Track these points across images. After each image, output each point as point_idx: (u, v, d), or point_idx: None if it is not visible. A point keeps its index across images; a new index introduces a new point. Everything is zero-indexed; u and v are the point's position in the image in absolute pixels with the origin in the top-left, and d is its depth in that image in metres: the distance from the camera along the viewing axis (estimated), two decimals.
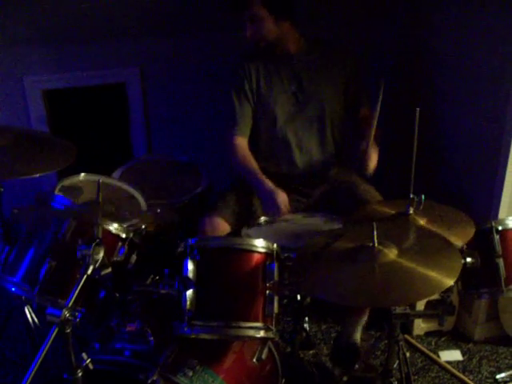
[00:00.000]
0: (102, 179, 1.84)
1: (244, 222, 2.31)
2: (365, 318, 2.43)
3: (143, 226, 1.98)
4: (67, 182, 2.23)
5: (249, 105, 2.44)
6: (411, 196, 1.88)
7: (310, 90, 2.41)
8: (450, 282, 1.55)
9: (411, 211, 1.90)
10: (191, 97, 3.08)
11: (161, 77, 3.08)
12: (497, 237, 1.93)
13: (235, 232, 2.29)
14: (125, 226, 1.89)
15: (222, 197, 2.43)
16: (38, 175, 1.89)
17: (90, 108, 3.08)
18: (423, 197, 1.87)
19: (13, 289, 1.84)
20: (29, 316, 2.16)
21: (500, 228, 1.94)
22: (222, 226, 2.29)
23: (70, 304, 1.53)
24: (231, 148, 2.42)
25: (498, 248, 1.92)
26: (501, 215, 2.40)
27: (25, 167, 1.92)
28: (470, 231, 1.87)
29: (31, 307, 2.16)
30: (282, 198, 2.25)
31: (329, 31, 2.72)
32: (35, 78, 2.93)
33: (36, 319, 2.16)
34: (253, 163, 2.39)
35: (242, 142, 2.43)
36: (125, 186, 2.34)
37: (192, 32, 2.95)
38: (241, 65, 2.44)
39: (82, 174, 2.26)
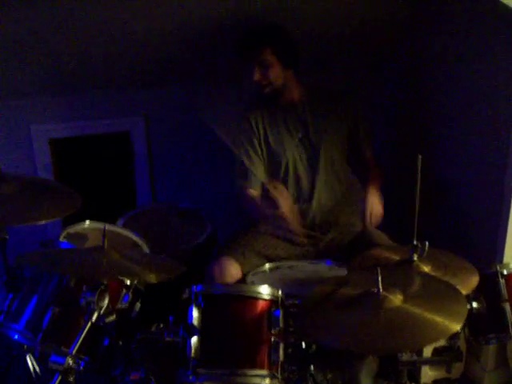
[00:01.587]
0: (107, 226, 1.85)
1: (255, 262, 2.33)
2: (374, 366, 2.38)
3: None
4: (72, 229, 2.24)
5: (259, 159, 2.50)
6: (415, 243, 1.88)
7: (316, 137, 2.46)
8: (457, 328, 1.54)
9: (415, 258, 1.90)
10: (195, 145, 3.12)
11: (165, 125, 3.12)
12: (502, 281, 1.92)
13: (240, 279, 2.28)
14: None
15: (231, 238, 2.44)
16: (43, 222, 1.90)
17: (95, 156, 3.11)
18: (427, 244, 1.87)
19: (15, 336, 1.83)
20: (30, 365, 2.13)
21: (505, 272, 1.94)
22: (232, 268, 2.26)
23: (74, 352, 1.52)
24: (247, 201, 2.48)
25: (504, 292, 1.91)
26: (506, 259, 2.39)
27: (30, 214, 1.93)
28: (474, 280, 1.85)
29: (33, 356, 2.13)
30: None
31: (328, 80, 2.78)
32: (42, 127, 2.98)
33: (37, 368, 2.13)
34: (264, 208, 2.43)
35: (254, 193, 2.48)
36: (129, 234, 2.35)
37: (196, 82, 3.01)
38: (246, 117, 2.50)
39: (87, 222, 2.27)
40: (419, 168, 1.80)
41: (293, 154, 2.47)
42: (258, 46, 2.37)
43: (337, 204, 2.52)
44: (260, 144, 2.49)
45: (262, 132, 2.48)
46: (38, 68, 2.69)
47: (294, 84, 2.45)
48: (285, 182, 2.49)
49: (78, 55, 2.65)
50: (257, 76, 2.37)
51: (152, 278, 1.72)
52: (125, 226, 2.51)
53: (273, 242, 2.42)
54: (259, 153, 2.50)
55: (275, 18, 2.46)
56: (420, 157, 1.79)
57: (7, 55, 2.53)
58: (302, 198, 2.49)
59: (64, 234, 2.19)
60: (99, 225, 2.25)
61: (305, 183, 2.48)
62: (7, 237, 2.05)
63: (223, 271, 2.24)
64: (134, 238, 2.34)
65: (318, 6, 2.50)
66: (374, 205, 2.36)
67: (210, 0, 2.40)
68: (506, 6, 2.05)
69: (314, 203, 2.48)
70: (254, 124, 2.49)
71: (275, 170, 2.50)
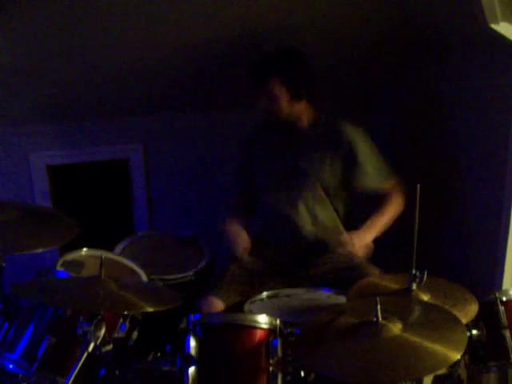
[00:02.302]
0: (104, 254, 1.84)
1: (242, 298, 2.29)
2: None
3: None
4: (69, 256, 2.23)
5: (246, 177, 2.52)
6: (413, 272, 1.86)
7: (304, 167, 2.41)
8: (457, 356, 1.53)
9: (414, 287, 1.88)
10: (193, 172, 3.13)
11: (163, 153, 3.13)
12: (502, 308, 1.90)
13: (238, 308, 2.26)
14: None
15: (219, 276, 2.40)
16: (40, 250, 1.89)
17: (93, 183, 3.12)
18: (426, 272, 1.85)
19: (10, 366, 1.81)
20: None
21: (504, 299, 1.92)
22: (218, 306, 2.25)
23: (70, 382, 1.51)
24: (226, 236, 2.45)
25: (504, 319, 1.89)
26: (505, 285, 2.38)
27: (27, 242, 1.92)
28: (474, 310, 1.84)
29: None
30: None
31: (333, 89, 2.76)
32: (40, 154, 2.99)
33: None
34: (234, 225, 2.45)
35: (233, 229, 2.46)
36: (126, 262, 2.34)
37: (194, 110, 3.03)
38: (246, 142, 2.52)
39: (84, 249, 2.26)
40: (418, 197, 1.79)
41: (280, 180, 2.44)
42: (266, 76, 2.30)
43: (324, 232, 2.45)
44: (251, 167, 2.49)
45: (257, 156, 2.47)
46: (36, 96, 2.71)
47: (305, 114, 2.39)
48: (269, 207, 2.47)
49: (76, 83, 2.67)
50: (263, 104, 2.34)
51: (149, 309, 1.70)
52: (122, 253, 2.50)
53: (258, 274, 2.40)
54: (247, 173, 2.51)
55: (273, 44, 2.45)
56: (418, 186, 1.78)
57: (5, 84, 2.55)
58: (289, 223, 2.44)
59: (61, 261, 2.18)
60: (96, 252, 2.24)
61: (291, 209, 2.44)
62: (4, 264, 2.03)
63: (209, 309, 2.23)
64: (132, 265, 2.33)
65: (319, 30, 2.51)
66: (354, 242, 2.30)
67: (210, 29, 2.42)
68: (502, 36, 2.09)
69: (297, 229, 2.44)
70: (250, 149, 2.49)
71: (263, 192, 2.48)
